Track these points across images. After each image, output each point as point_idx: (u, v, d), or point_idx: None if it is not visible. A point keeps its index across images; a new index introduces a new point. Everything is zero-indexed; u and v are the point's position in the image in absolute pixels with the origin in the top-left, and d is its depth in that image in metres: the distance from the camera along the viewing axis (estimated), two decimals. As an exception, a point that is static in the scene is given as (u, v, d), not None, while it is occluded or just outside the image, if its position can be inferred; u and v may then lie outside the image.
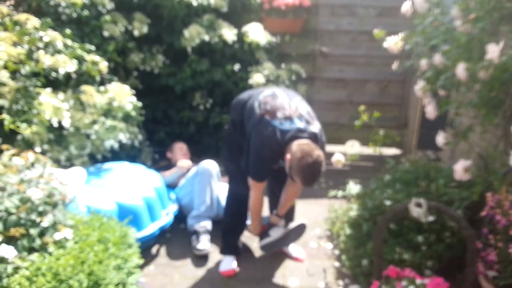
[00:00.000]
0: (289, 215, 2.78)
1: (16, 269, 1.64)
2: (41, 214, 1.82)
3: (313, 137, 2.29)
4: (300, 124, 2.27)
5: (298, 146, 2.20)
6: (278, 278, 2.56)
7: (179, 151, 3.56)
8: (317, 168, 2.15)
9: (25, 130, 2.52)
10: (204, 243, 2.78)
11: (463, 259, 2.00)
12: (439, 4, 2.20)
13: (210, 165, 3.00)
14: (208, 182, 2.97)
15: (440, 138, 2.05)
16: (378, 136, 2.61)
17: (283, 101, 2.35)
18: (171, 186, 3.26)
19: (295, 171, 2.19)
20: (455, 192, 2.27)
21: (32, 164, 2.06)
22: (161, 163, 3.63)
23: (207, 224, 2.90)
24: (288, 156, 2.23)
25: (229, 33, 3.84)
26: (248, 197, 2.54)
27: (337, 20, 4.34)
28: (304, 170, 2.15)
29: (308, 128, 2.29)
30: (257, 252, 2.83)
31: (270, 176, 2.45)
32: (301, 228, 2.73)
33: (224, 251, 2.71)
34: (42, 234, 1.78)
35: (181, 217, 3.09)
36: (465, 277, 1.87)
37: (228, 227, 2.72)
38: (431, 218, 2.18)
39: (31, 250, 1.74)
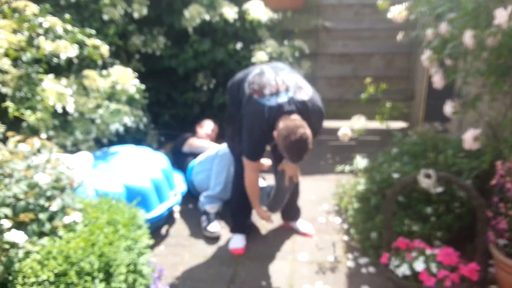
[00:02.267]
0: (294, 190, 2.77)
1: (27, 254, 1.65)
2: (49, 198, 1.83)
3: (302, 106, 2.25)
4: (284, 98, 2.23)
5: (283, 123, 2.16)
6: (287, 253, 2.57)
7: (210, 132, 3.61)
8: (302, 145, 2.12)
9: (30, 117, 2.52)
10: (214, 225, 2.79)
11: (472, 229, 1.99)
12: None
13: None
14: (227, 165, 2.98)
15: (448, 108, 2.02)
16: (385, 109, 2.58)
17: (269, 77, 2.31)
18: (180, 166, 3.26)
19: (282, 148, 2.17)
20: (464, 162, 2.25)
21: (38, 150, 2.07)
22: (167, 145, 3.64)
23: (218, 206, 2.93)
24: (275, 133, 2.21)
25: (229, 12, 3.78)
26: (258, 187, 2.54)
27: (339, -7, 4.26)
28: (288, 148, 2.13)
29: (296, 97, 2.24)
30: (266, 229, 2.84)
31: (263, 155, 2.43)
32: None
33: (234, 229, 2.73)
34: (51, 218, 1.79)
35: (194, 194, 3.11)
36: (475, 246, 1.87)
37: (237, 206, 2.72)
38: (440, 189, 2.17)
39: (41, 234, 1.75)
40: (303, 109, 2.26)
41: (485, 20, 1.86)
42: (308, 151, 2.17)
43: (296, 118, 2.18)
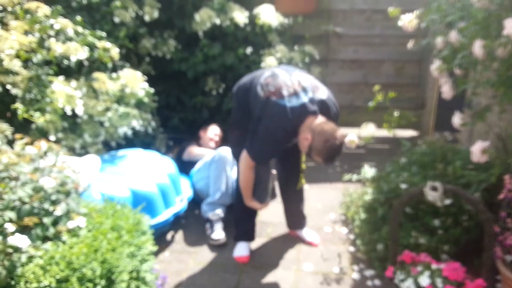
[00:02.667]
0: (298, 196, 2.75)
1: (30, 258, 1.66)
2: (54, 202, 1.83)
3: (323, 105, 2.24)
4: (305, 98, 2.21)
5: (318, 126, 2.17)
6: (292, 263, 2.55)
7: (212, 136, 3.58)
8: (340, 149, 2.18)
9: (39, 119, 2.54)
10: (218, 233, 2.78)
11: (480, 242, 1.95)
12: (456, -20, 2.12)
13: (227, 153, 2.99)
14: (224, 169, 2.96)
15: (456, 119, 1.99)
16: (393, 117, 2.55)
17: (284, 78, 2.29)
18: (185, 170, 3.26)
19: (318, 152, 2.17)
20: (472, 174, 2.21)
21: (45, 153, 2.07)
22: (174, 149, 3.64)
23: (220, 212, 2.90)
24: (306, 136, 2.19)
25: (240, 16, 3.78)
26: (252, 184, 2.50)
27: (351, -1, 4.24)
28: (329, 152, 2.15)
29: (316, 97, 2.24)
30: (272, 236, 2.82)
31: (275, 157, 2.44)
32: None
33: (238, 237, 2.70)
34: (55, 222, 1.80)
35: (195, 203, 3.10)
36: (482, 261, 1.83)
37: (240, 213, 2.69)
38: (448, 202, 2.14)
39: (45, 239, 1.75)
40: (323, 108, 2.25)
41: (496, 30, 1.83)
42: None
43: (326, 121, 2.21)
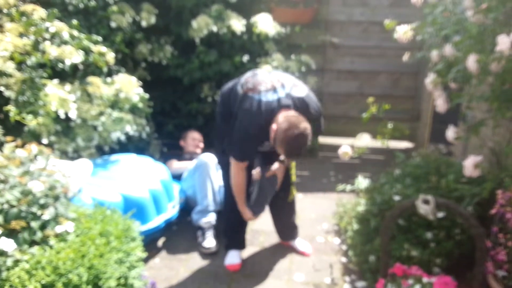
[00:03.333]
0: (290, 208, 2.73)
1: (16, 262, 1.63)
2: (42, 206, 1.81)
3: (301, 103, 2.23)
4: (282, 93, 2.21)
5: (285, 117, 2.13)
6: (283, 273, 2.53)
7: (192, 141, 3.56)
8: (303, 140, 2.10)
9: (31, 122, 2.52)
10: (209, 241, 2.76)
11: (473, 256, 1.94)
12: (451, -7, 2.13)
13: (208, 158, 2.98)
14: (208, 175, 2.94)
15: (450, 133, 1.99)
16: (386, 129, 2.54)
17: (263, 76, 2.30)
18: (178, 176, 3.24)
19: (280, 142, 2.12)
20: (465, 188, 2.20)
21: (35, 156, 2.05)
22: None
23: (211, 219, 2.88)
24: (274, 126, 2.16)
25: (237, 24, 3.78)
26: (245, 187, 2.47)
27: (348, 10, 4.26)
28: (289, 142, 2.09)
29: (293, 94, 2.23)
30: (264, 245, 2.80)
31: (255, 157, 2.39)
32: (274, 178, 2.56)
33: (229, 245, 2.68)
34: (43, 227, 1.77)
35: (187, 209, 3.08)
36: (474, 276, 1.82)
37: (230, 221, 2.66)
38: (440, 215, 2.13)
39: (32, 243, 1.73)
40: (302, 105, 2.23)
41: (491, 44, 1.83)
42: (305, 149, 2.14)
43: (297, 114, 2.16)
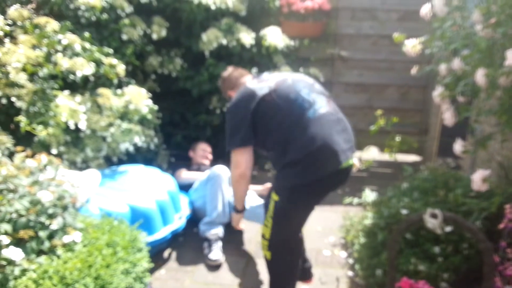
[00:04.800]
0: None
1: (24, 271, 1.64)
2: (50, 216, 1.83)
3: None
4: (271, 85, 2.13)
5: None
6: (290, 286, 2.51)
7: (201, 152, 3.58)
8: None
9: (41, 132, 2.55)
10: (216, 253, 2.76)
11: (481, 271, 1.91)
12: (460, 8, 2.13)
13: (221, 171, 2.99)
14: (219, 187, 2.95)
15: (458, 146, 1.98)
16: (394, 142, 2.54)
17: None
18: (185, 187, 3.25)
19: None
20: (473, 202, 2.19)
21: (45, 167, 2.08)
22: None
23: (219, 231, 2.88)
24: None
25: (247, 37, 3.82)
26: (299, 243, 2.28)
27: (357, 24, 4.28)
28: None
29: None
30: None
31: (251, 142, 2.11)
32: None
33: None
34: (51, 236, 1.79)
35: (194, 221, 3.08)
36: (482, 291, 1.79)
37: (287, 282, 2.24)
38: (448, 229, 2.11)
39: (39, 252, 1.74)
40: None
41: (500, 59, 1.83)
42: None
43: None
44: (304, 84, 2.14)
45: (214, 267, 2.71)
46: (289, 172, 2.01)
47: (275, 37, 3.90)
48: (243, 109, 2.08)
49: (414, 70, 2.61)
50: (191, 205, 3.11)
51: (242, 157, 2.12)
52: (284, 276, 2.22)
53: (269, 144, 2.08)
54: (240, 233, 3.11)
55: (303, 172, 1.97)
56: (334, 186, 2.16)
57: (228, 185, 3.01)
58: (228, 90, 2.44)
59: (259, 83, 2.14)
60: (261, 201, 2.95)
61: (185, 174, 3.33)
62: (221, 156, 3.98)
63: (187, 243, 2.97)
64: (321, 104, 2.08)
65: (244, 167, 2.13)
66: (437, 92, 2.17)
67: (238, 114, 2.09)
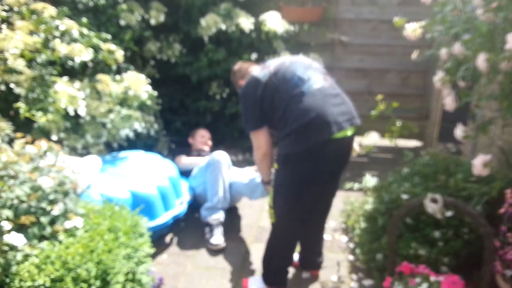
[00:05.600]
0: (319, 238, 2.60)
1: (26, 257, 1.65)
2: (51, 202, 1.83)
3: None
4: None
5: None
6: (290, 270, 2.52)
7: (200, 139, 3.57)
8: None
9: (41, 118, 2.54)
10: (217, 238, 2.77)
11: (481, 256, 1.93)
12: (461, -8, 2.11)
13: (221, 156, 2.99)
14: (220, 173, 2.96)
15: (459, 131, 1.97)
16: (395, 127, 2.54)
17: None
18: (186, 173, 3.25)
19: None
20: (474, 187, 2.19)
21: (45, 153, 2.08)
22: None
23: (220, 216, 2.89)
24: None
25: (246, 22, 3.78)
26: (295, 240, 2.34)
27: (357, 9, 4.24)
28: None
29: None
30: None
31: (264, 124, 2.22)
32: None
33: (270, 282, 2.34)
34: (52, 222, 1.80)
35: (195, 206, 3.09)
36: (481, 276, 1.81)
37: (278, 259, 2.34)
38: (449, 214, 2.12)
39: (41, 238, 1.75)
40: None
41: (501, 43, 1.81)
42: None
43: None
44: (300, 64, 2.23)
45: (215, 251, 2.72)
46: (283, 142, 2.12)
47: (274, 22, 3.86)
48: (251, 96, 2.21)
49: (414, 55, 2.59)
50: (191, 191, 3.12)
51: (260, 138, 2.26)
52: (279, 244, 2.32)
53: (275, 122, 2.18)
54: (241, 218, 3.12)
55: (295, 141, 2.06)
56: (332, 159, 2.16)
57: (228, 170, 3.02)
58: (239, 80, 2.53)
59: (262, 70, 2.24)
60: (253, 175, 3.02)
61: (184, 160, 3.33)
62: (221, 142, 3.99)
63: (189, 228, 2.99)
64: (316, 79, 2.16)
65: (264, 146, 2.28)
66: (438, 77, 2.16)
67: (248, 101, 2.23)
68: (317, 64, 2.33)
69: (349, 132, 2.12)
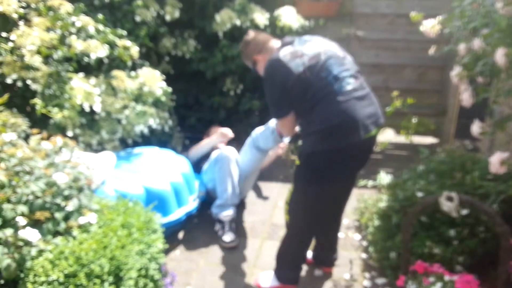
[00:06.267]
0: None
1: (40, 252, 1.68)
2: (66, 198, 1.85)
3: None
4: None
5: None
6: (303, 268, 2.52)
7: (221, 138, 3.43)
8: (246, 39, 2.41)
9: (56, 115, 2.57)
10: (229, 235, 2.78)
11: (497, 255, 1.89)
12: (480, -15, 2.06)
13: (229, 152, 2.97)
14: (228, 169, 2.94)
15: (475, 128, 1.93)
16: (411, 124, 2.49)
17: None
18: (198, 168, 3.25)
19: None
20: (491, 185, 2.15)
21: (60, 149, 2.10)
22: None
23: (231, 213, 2.90)
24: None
25: (261, 17, 3.77)
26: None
27: (374, 3, 4.18)
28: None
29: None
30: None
31: (290, 112, 2.17)
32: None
33: (284, 280, 2.35)
34: (67, 218, 1.82)
35: (209, 202, 3.10)
36: (497, 275, 1.78)
37: (292, 256, 2.35)
38: (464, 212, 2.08)
39: (55, 233, 1.77)
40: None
41: (522, 38, 1.77)
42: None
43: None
44: (335, 61, 2.16)
45: (228, 248, 2.73)
46: (310, 140, 2.10)
47: (289, 17, 3.84)
48: (279, 85, 2.12)
49: (432, 50, 2.55)
50: (203, 187, 3.12)
51: (286, 124, 2.23)
52: (293, 242, 2.31)
53: (300, 112, 2.16)
54: (253, 214, 3.12)
55: (321, 141, 2.06)
56: (354, 159, 2.20)
57: (236, 165, 3.01)
58: (254, 54, 2.39)
59: (293, 57, 2.12)
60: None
61: (193, 150, 3.31)
62: (235, 138, 3.97)
63: (201, 225, 3.00)
64: (349, 80, 2.13)
65: (289, 130, 2.29)
66: (455, 72, 2.12)
67: (276, 91, 2.15)
68: (349, 58, 2.27)
69: (373, 132, 2.12)
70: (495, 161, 1.74)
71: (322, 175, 2.12)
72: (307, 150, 2.12)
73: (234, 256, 2.65)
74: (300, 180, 2.20)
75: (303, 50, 2.15)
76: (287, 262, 2.34)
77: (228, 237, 2.76)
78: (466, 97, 2.01)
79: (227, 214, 2.87)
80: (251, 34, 2.45)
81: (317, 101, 2.07)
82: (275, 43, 2.34)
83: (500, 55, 1.70)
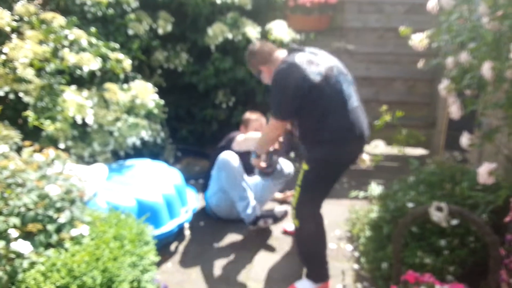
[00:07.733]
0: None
1: (32, 264, 1.67)
2: (58, 210, 1.85)
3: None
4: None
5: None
6: (295, 278, 2.52)
7: (255, 123, 3.24)
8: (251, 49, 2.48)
9: (49, 127, 2.57)
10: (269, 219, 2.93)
11: (487, 265, 1.92)
12: (467, 1, 2.12)
13: (228, 156, 2.92)
14: (238, 176, 2.91)
15: (464, 139, 1.97)
16: (401, 136, 2.54)
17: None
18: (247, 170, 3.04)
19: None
20: (480, 195, 2.18)
21: (53, 161, 2.10)
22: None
23: (255, 203, 2.95)
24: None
25: (252, 31, 3.81)
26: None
27: (364, 17, 4.26)
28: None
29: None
30: (278, 250, 2.80)
31: (291, 118, 2.32)
32: (285, 214, 3.03)
33: (318, 279, 2.39)
34: (59, 230, 1.81)
35: (201, 214, 3.10)
36: (487, 284, 1.80)
37: (320, 255, 2.41)
38: (455, 222, 2.11)
39: (47, 245, 1.77)
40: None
41: (507, 51, 1.81)
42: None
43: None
44: (344, 77, 2.32)
45: (219, 258, 2.71)
46: (323, 147, 2.25)
47: (281, 31, 3.89)
48: (294, 88, 2.18)
49: (420, 64, 2.60)
50: (209, 208, 3.16)
51: (278, 128, 2.33)
52: (311, 242, 2.41)
53: (307, 119, 2.26)
54: (245, 226, 3.12)
55: (334, 150, 2.25)
56: (353, 161, 2.45)
57: (242, 167, 2.95)
58: (260, 65, 2.44)
59: (311, 65, 2.20)
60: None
61: (238, 142, 2.95)
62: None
63: (194, 237, 2.99)
64: (356, 98, 2.34)
65: (275, 136, 2.40)
66: (443, 85, 2.16)
67: (288, 94, 2.21)
68: (350, 75, 2.42)
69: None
70: (484, 172, 1.78)
71: (329, 180, 2.35)
72: (315, 157, 2.28)
73: (226, 268, 2.64)
74: (307, 184, 2.31)
75: (318, 60, 2.25)
76: (315, 262, 2.41)
77: (270, 220, 2.93)
78: (454, 110, 2.05)
79: (256, 210, 2.92)
80: (257, 44, 2.50)
81: (329, 112, 2.20)
82: (280, 53, 2.41)
83: (486, 69, 1.75)
